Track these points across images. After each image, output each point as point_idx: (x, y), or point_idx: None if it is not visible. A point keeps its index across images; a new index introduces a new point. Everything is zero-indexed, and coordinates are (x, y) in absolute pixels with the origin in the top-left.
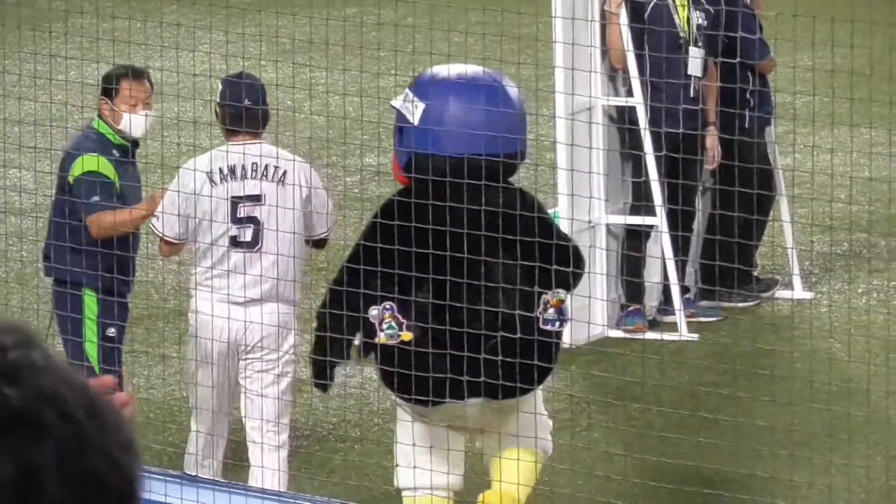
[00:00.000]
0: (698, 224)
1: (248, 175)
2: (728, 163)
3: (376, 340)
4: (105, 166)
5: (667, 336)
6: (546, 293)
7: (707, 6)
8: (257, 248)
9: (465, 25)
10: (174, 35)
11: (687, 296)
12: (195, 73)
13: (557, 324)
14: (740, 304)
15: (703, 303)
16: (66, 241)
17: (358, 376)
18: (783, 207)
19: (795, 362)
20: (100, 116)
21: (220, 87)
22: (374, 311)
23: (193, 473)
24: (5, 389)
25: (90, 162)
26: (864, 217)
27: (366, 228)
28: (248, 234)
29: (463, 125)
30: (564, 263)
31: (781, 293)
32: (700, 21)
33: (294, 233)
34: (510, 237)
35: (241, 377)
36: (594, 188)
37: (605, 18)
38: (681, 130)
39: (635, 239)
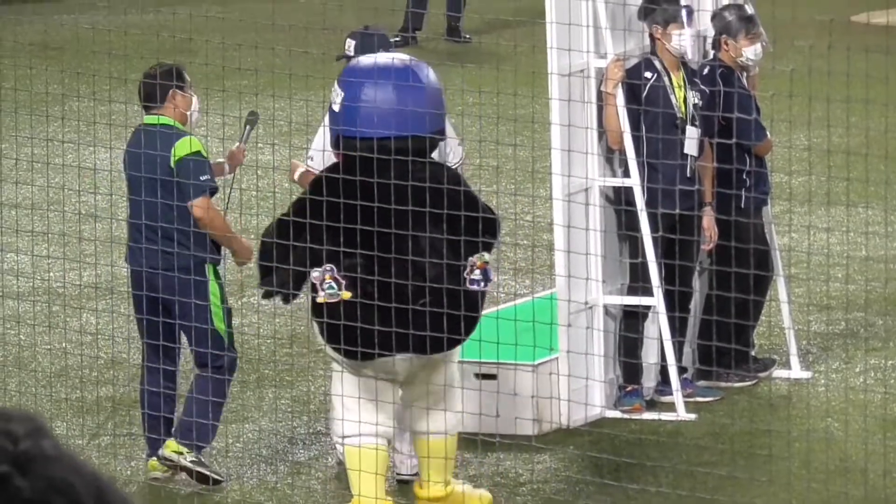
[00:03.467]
0: (695, 304)
1: None
2: (725, 243)
3: (317, 299)
4: (200, 145)
5: (664, 416)
6: (472, 255)
7: (703, 86)
8: None
9: (461, 107)
10: None
11: (685, 376)
12: None
13: (482, 283)
14: (738, 384)
15: (701, 383)
16: (181, 224)
17: None
18: (780, 287)
19: (793, 442)
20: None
21: (350, 40)
22: (315, 273)
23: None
24: (17, 481)
25: (194, 143)
26: (861, 296)
27: (296, 202)
28: None
29: (377, 110)
30: (488, 228)
31: (779, 373)
32: (696, 101)
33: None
34: (437, 206)
35: None
36: (591, 269)
37: (602, 99)
38: (677, 211)
39: (633, 319)
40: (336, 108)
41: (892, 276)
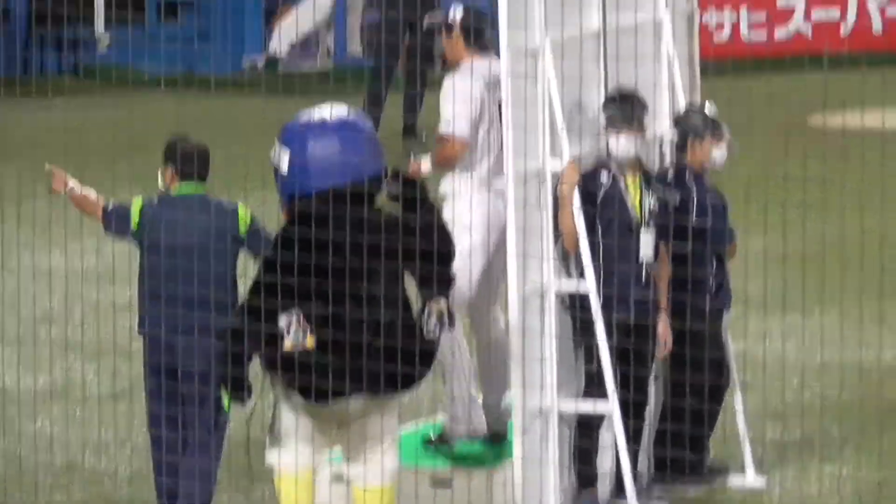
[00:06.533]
0: (650, 411)
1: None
2: (682, 351)
3: (284, 346)
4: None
5: None
6: (430, 302)
7: (673, 190)
8: None
9: None
10: None
11: (639, 483)
12: None
13: (439, 329)
14: (692, 491)
15: (656, 489)
16: (225, 290)
17: None
18: (735, 394)
19: None
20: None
21: (458, 13)
22: (283, 319)
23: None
24: None
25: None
26: (817, 403)
27: (266, 259)
28: None
29: (324, 162)
30: (444, 262)
31: (733, 480)
32: (652, 205)
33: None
34: (394, 249)
35: None
36: (546, 375)
37: (558, 203)
38: (632, 317)
39: (587, 426)
40: (284, 168)
41: (847, 384)
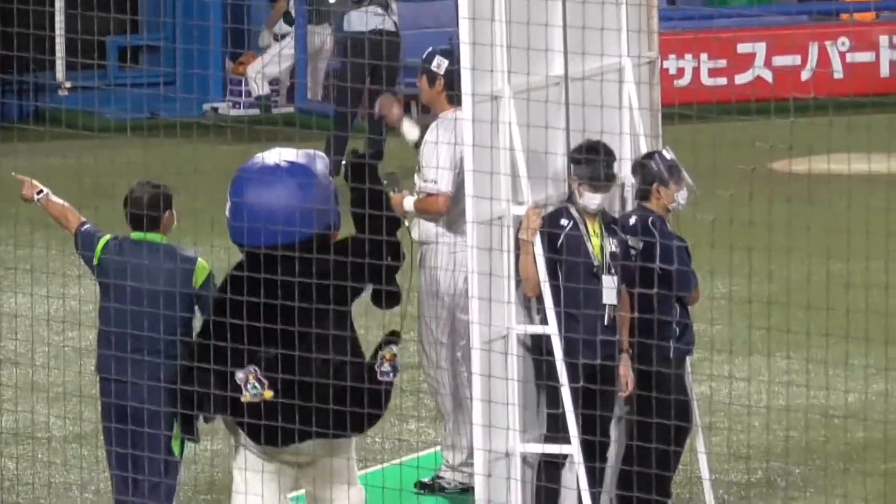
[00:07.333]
0: (613, 453)
1: None
2: (645, 393)
3: (241, 399)
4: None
5: None
6: (382, 349)
7: (638, 237)
8: None
9: None
10: None
11: None
12: None
13: (391, 374)
14: None
15: None
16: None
17: None
18: (699, 436)
19: None
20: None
21: (443, 63)
22: (240, 374)
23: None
24: None
25: (206, 265)
26: (781, 445)
27: (216, 301)
28: None
29: (263, 219)
30: (391, 302)
31: None
32: (613, 249)
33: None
34: (339, 300)
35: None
36: (510, 418)
37: (520, 247)
38: (598, 361)
39: (551, 468)
40: (227, 213)
41: (811, 425)
